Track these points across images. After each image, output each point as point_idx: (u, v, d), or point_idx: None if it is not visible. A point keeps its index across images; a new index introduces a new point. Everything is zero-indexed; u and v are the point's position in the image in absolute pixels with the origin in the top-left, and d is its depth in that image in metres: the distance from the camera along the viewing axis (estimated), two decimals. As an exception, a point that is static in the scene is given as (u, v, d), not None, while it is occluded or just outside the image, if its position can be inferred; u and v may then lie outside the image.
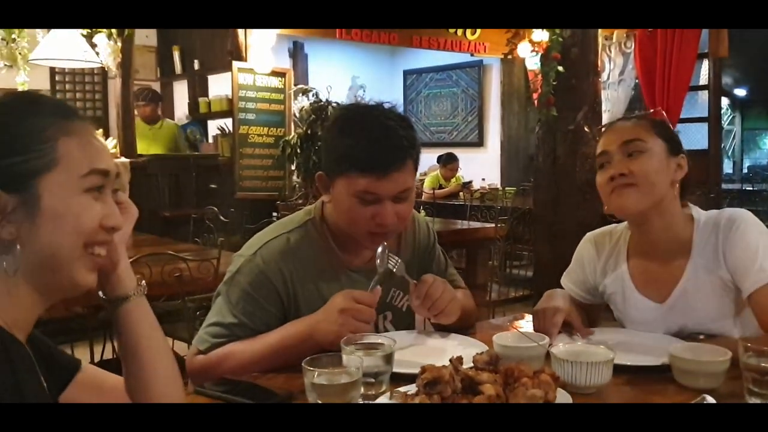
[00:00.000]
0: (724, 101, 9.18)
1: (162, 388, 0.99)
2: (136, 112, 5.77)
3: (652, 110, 1.60)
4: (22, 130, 0.85)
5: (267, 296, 1.39)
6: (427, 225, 1.67)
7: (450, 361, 1.10)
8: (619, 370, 1.24)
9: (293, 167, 6.11)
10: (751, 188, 8.48)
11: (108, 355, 2.97)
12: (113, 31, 4.65)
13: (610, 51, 6.33)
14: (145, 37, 7.16)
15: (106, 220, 0.89)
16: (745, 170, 10.28)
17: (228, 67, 6.05)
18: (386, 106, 1.43)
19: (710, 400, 1.09)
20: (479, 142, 8.47)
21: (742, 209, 1.48)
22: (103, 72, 6.70)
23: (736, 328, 1.45)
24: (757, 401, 1.14)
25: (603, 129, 1.59)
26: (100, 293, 0.98)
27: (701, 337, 1.40)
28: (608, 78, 6.75)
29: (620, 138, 1.47)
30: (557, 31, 3.90)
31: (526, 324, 1.74)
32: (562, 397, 1.09)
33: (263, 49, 5.18)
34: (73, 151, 0.86)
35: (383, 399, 1.11)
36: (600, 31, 4.60)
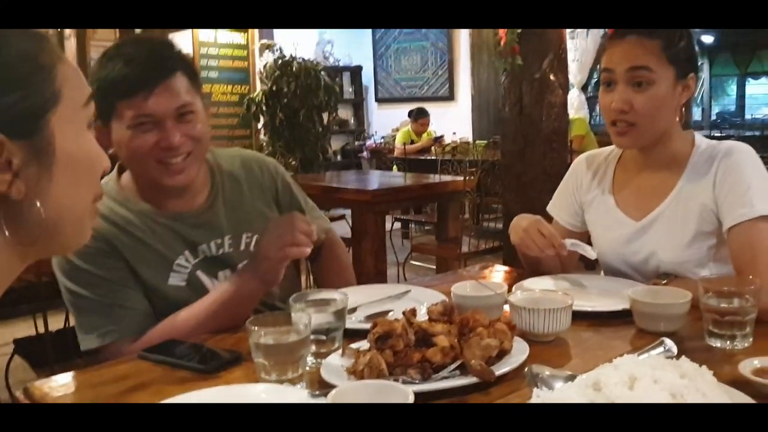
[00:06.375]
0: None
1: None
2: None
3: None
4: (14, 56, 0.65)
5: (102, 263, 1.29)
6: (271, 167, 1.54)
7: (403, 313, 1.07)
8: (579, 316, 1.21)
9: (260, 126, 5.98)
10: (720, 134, 8.53)
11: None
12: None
13: (579, -2, 6.23)
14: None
15: (105, 161, 0.73)
16: (713, 117, 10.34)
17: (188, 24, 5.86)
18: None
19: (670, 343, 1.07)
20: (450, 96, 8.37)
21: (745, 144, 1.40)
22: (58, 33, 6.43)
23: (705, 274, 1.38)
24: (717, 343, 1.12)
25: (610, 38, 1.43)
26: None
27: (663, 282, 1.36)
28: (577, 26, 6.69)
29: (627, 60, 1.37)
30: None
31: (489, 273, 1.71)
32: (520, 345, 1.06)
33: (222, 3, 4.98)
34: (70, 78, 0.69)
35: (335, 356, 1.07)
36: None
